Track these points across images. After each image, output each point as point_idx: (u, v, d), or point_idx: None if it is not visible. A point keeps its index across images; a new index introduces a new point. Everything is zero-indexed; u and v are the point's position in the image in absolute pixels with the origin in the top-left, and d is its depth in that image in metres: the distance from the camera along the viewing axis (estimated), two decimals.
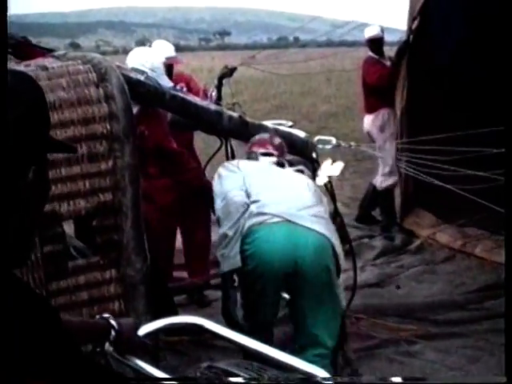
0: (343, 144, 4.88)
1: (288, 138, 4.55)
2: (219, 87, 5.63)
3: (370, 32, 7.55)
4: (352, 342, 4.78)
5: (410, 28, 7.09)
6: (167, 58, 5.27)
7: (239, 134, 4.31)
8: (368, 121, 7.62)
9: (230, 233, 3.36)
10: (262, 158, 4.01)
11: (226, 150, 5.33)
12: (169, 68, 5.29)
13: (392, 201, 7.66)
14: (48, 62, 2.94)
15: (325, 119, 18.07)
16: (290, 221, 3.53)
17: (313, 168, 4.69)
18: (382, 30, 7.63)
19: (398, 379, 1.66)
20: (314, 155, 4.61)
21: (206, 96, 5.60)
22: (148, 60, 4.64)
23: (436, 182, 6.75)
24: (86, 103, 2.75)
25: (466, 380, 4.53)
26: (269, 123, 4.94)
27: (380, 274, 6.24)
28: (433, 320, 5.26)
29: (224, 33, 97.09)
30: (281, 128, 4.69)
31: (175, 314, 4.63)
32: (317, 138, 4.72)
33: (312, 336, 3.48)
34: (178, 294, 5.56)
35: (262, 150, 4.01)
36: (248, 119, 4.36)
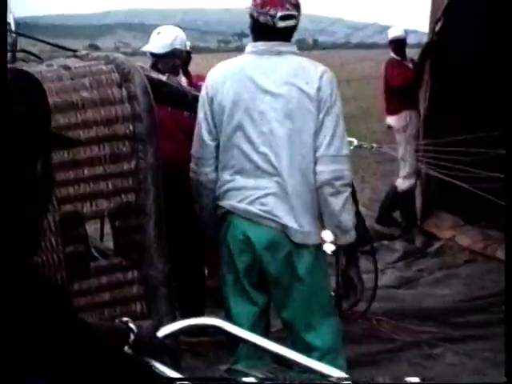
0: (365, 145, 4.85)
1: None
2: None
3: (393, 33, 7.54)
4: (372, 345, 4.79)
5: (432, 30, 7.04)
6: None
7: None
8: (390, 121, 7.60)
9: None
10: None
11: None
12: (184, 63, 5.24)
13: (412, 202, 7.62)
14: (71, 61, 2.95)
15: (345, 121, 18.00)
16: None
17: None
18: (406, 31, 7.62)
19: (415, 379, 1.65)
20: None
21: None
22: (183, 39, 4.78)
23: (456, 182, 6.72)
24: (108, 103, 2.75)
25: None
26: None
27: (400, 277, 6.21)
28: (453, 323, 5.22)
29: (242, 34, 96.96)
30: None
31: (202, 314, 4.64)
32: None
33: (301, 340, 3.25)
34: None
35: (281, 13, 3.18)
36: None
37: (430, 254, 6.87)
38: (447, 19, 6.90)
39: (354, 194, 4.68)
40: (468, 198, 6.79)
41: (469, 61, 7.28)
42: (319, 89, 3.11)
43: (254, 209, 3.11)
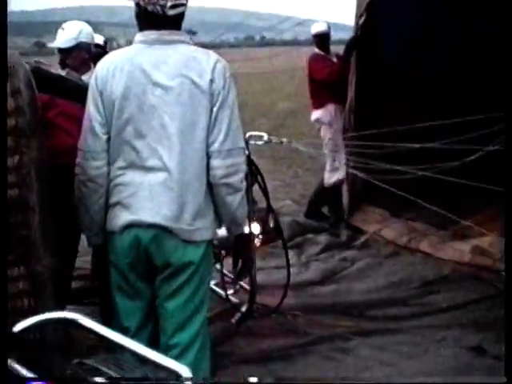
0: (274, 140, 4.86)
1: None
2: None
3: (317, 28, 7.59)
4: (286, 339, 4.80)
5: (357, 24, 7.11)
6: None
7: None
8: (316, 115, 7.63)
9: None
10: None
11: None
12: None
13: (340, 197, 7.68)
14: None
15: (283, 117, 18.08)
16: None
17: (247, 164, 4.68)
18: (329, 26, 7.67)
19: (254, 379, 1.66)
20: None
21: None
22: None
23: (375, 182, 6.70)
24: None
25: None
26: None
27: (322, 270, 6.24)
28: (371, 316, 5.26)
29: (190, 31, 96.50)
30: None
31: None
32: (248, 134, 4.69)
33: (168, 334, 3.18)
34: None
35: (171, 2, 3.11)
36: None
37: (354, 248, 6.92)
38: (371, 13, 6.98)
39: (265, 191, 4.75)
40: (395, 193, 6.85)
41: (394, 54, 7.39)
42: (212, 81, 3.02)
43: (139, 205, 3.05)
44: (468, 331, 4.91)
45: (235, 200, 3.14)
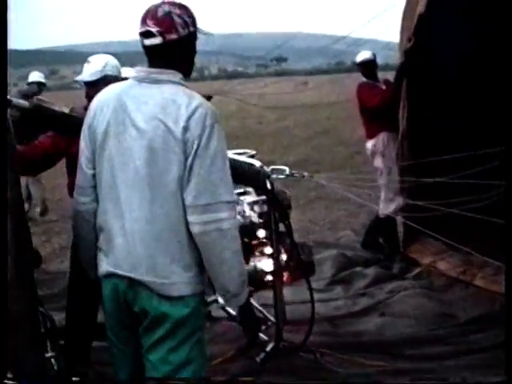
0: (296, 174, 4.75)
1: (238, 167, 4.45)
2: None
3: (362, 56, 7.49)
4: (313, 378, 4.65)
5: (405, 49, 6.94)
6: None
7: None
8: (370, 145, 7.49)
9: None
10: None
11: None
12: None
13: (395, 228, 7.47)
14: None
15: (361, 144, 17.95)
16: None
17: (268, 199, 4.59)
18: (374, 54, 7.53)
19: None
20: (268, 185, 4.49)
21: None
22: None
23: (440, 208, 6.47)
24: None
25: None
26: (230, 152, 4.86)
27: (366, 303, 6.07)
28: (408, 355, 5.05)
29: (281, 59, 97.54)
30: (232, 156, 4.60)
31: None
32: (270, 168, 4.60)
33: None
34: None
35: (140, 30, 2.94)
36: None
37: (406, 280, 6.70)
38: (419, 38, 6.81)
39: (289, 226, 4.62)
40: (452, 223, 6.59)
41: (445, 77, 7.16)
42: (186, 129, 2.78)
43: (115, 254, 2.94)
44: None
45: (218, 263, 2.86)
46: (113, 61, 4.71)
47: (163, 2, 2.93)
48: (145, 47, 2.96)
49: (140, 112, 2.87)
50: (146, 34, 2.91)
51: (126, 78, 5.49)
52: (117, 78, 4.72)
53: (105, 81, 4.54)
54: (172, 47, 2.92)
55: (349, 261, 7.20)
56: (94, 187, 3.02)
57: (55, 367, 4.32)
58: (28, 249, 2.96)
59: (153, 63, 2.98)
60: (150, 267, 2.86)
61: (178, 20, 2.90)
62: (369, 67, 7.44)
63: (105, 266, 2.99)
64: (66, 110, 3.72)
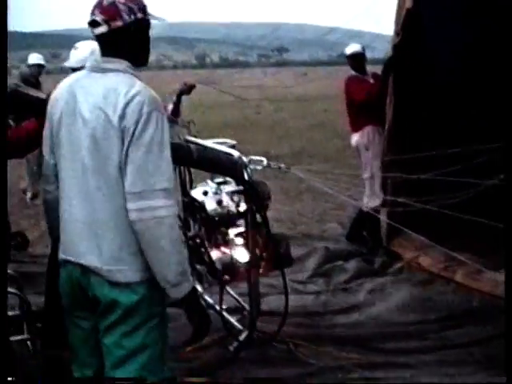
0: (273, 165, 4.76)
1: (215, 157, 4.46)
2: (177, 103, 5.58)
3: (351, 49, 7.49)
4: (284, 369, 4.66)
5: (393, 44, 6.94)
6: None
7: None
8: (354, 139, 7.50)
9: None
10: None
11: (180, 174, 5.28)
12: None
13: (378, 222, 7.48)
14: None
15: None
16: None
17: (244, 189, 4.60)
18: (363, 47, 7.54)
19: None
20: (245, 176, 4.50)
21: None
22: None
23: (418, 205, 6.48)
24: None
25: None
26: (210, 141, 4.87)
27: (345, 298, 6.08)
28: (382, 349, 5.05)
29: (282, 49, 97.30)
30: (210, 145, 4.61)
31: None
32: (248, 158, 4.60)
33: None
34: None
35: (89, 20, 2.94)
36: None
37: (387, 275, 6.71)
38: (408, 33, 6.80)
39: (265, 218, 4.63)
40: (435, 217, 6.59)
41: (434, 73, 7.16)
42: (122, 117, 2.78)
43: (67, 242, 2.98)
44: (479, 368, 4.66)
45: (155, 251, 2.82)
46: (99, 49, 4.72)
47: None
48: (95, 37, 2.97)
49: (86, 102, 2.89)
50: (93, 24, 2.93)
51: None
52: None
53: None
54: (118, 35, 2.93)
55: (332, 254, 7.19)
56: (57, 176, 3.04)
57: (31, 349, 4.36)
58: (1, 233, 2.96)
59: (103, 52, 2.98)
60: (98, 254, 2.87)
61: (122, 7, 2.90)
62: (357, 60, 7.45)
63: (60, 253, 3.03)
64: (43, 96, 3.72)
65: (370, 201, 7.40)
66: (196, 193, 4.99)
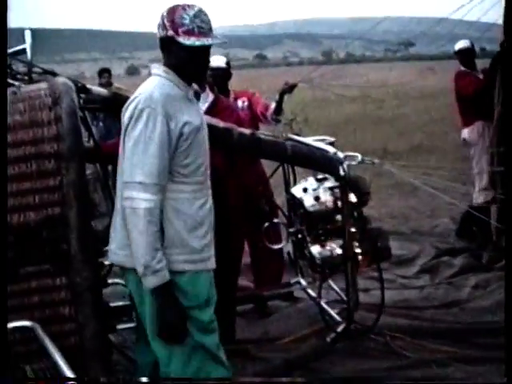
0: (367, 161, 4.84)
1: (310, 153, 4.61)
2: (280, 102, 5.78)
3: (460, 45, 7.45)
4: (380, 361, 4.76)
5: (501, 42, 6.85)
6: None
7: (251, 150, 4.43)
8: (464, 134, 7.48)
9: None
10: None
11: (284, 172, 5.48)
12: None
13: (488, 218, 7.41)
14: (25, 87, 3.28)
15: None
16: None
17: (340, 185, 4.72)
18: (472, 43, 7.47)
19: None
20: (341, 171, 4.62)
21: (266, 109, 5.81)
22: None
23: None
24: (37, 125, 3.07)
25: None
26: (310, 139, 5.01)
27: (448, 293, 6.11)
28: (482, 344, 5.06)
29: (408, 43, 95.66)
30: (305, 141, 4.75)
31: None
32: (344, 155, 4.71)
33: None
34: (242, 303, 5.74)
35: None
36: (262, 135, 4.44)
37: (494, 270, 6.66)
38: None
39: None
40: None
41: None
42: (124, 114, 3.08)
43: None
44: None
45: (130, 239, 2.98)
46: None
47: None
48: None
49: None
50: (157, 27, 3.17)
51: (219, 68, 5.79)
52: None
53: None
54: (160, 44, 3.17)
55: (439, 250, 7.21)
56: None
57: None
58: (90, 224, 3.26)
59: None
60: (112, 240, 3.18)
61: (160, 21, 3.12)
62: (466, 55, 7.41)
63: None
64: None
65: (480, 196, 7.34)
66: (296, 190, 5.15)
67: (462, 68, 7.46)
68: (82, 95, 3.61)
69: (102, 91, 3.88)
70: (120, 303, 4.34)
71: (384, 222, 8.32)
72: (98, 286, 3.26)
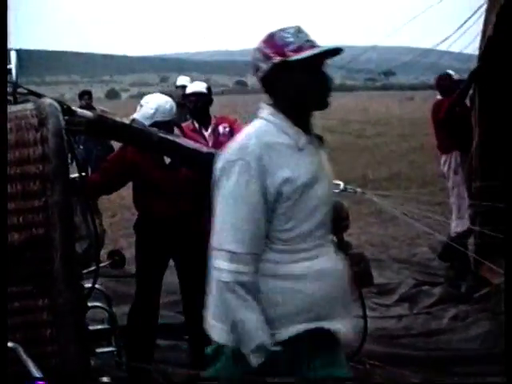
0: (349, 189, 4.88)
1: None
2: None
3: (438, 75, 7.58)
4: None
5: (478, 57, 6.96)
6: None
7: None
8: (442, 161, 7.56)
9: None
10: None
11: None
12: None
13: (465, 247, 7.48)
14: (15, 107, 3.29)
15: None
16: None
17: None
18: (450, 73, 7.59)
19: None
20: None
21: None
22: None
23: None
24: (23, 146, 3.08)
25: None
26: None
27: (428, 322, 6.15)
28: (458, 372, 5.10)
29: (389, 72, 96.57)
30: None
31: None
32: None
33: None
34: None
35: None
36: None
37: (472, 301, 6.71)
38: (486, 61, 6.74)
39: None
40: None
41: None
42: (216, 162, 2.58)
43: None
44: None
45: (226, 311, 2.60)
46: (164, 106, 4.77)
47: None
48: None
49: None
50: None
51: (201, 93, 5.87)
52: (168, 122, 4.77)
53: (157, 126, 4.56)
54: (263, 84, 2.66)
55: (418, 279, 7.28)
56: None
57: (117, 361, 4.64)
58: (74, 246, 3.26)
59: None
60: None
61: (257, 56, 2.63)
62: (446, 88, 7.50)
63: None
64: (127, 121, 4.02)
65: (458, 226, 7.40)
66: None
67: (439, 97, 7.56)
68: (66, 117, 3.62)
69: (87, 113, 3.89)
70: (99, 327, 4.37)
71: (364, 250, 8.36)
72: (79, 308, 3.26)
